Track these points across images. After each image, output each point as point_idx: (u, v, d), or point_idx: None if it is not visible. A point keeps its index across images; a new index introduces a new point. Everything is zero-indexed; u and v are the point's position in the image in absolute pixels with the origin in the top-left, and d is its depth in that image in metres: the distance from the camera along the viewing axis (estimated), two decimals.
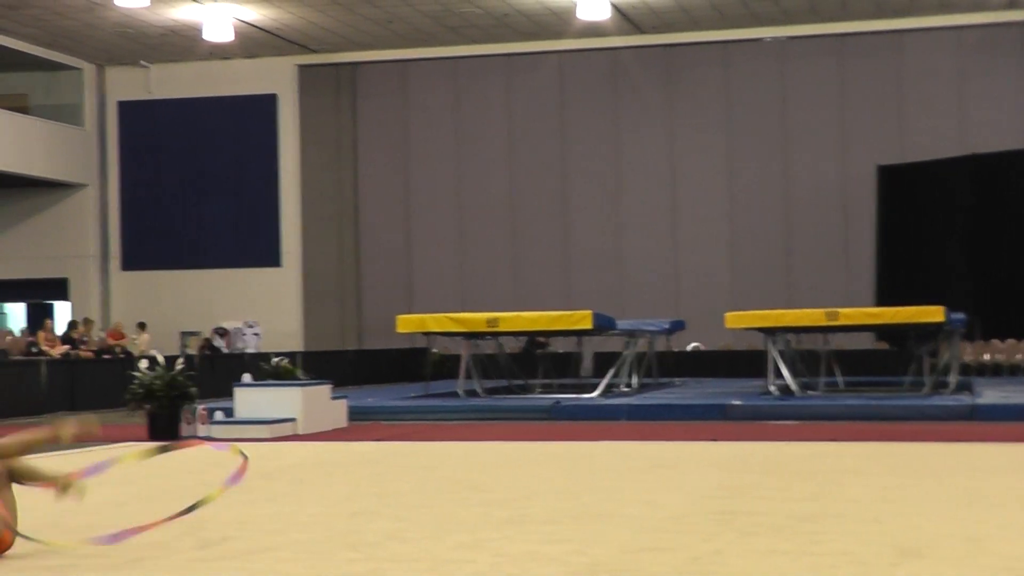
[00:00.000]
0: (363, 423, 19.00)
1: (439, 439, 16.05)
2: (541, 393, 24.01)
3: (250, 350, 31.67)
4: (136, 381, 17.01)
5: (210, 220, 34.78)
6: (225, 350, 31.98)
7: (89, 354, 26.64)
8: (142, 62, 34.53)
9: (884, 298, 28.09)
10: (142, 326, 31.30)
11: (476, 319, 22.38)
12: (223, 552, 7.41)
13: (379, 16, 31.43)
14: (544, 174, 34.39)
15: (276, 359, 20.88)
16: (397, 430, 17.78)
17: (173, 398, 16.80)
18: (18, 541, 7.25)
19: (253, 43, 33.15)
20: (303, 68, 35.03)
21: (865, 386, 24.38)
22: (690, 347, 32.35)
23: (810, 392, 22.17)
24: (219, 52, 33.73)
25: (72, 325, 28.38)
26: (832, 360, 24.77)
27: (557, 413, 19.92)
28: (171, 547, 7.60)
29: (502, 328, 22.38)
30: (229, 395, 18.25)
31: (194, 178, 34.92)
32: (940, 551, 6.99)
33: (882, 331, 27.11)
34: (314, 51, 34.31)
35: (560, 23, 31.95)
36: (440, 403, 21.62)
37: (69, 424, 7.46)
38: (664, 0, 30.71)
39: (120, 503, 9.73)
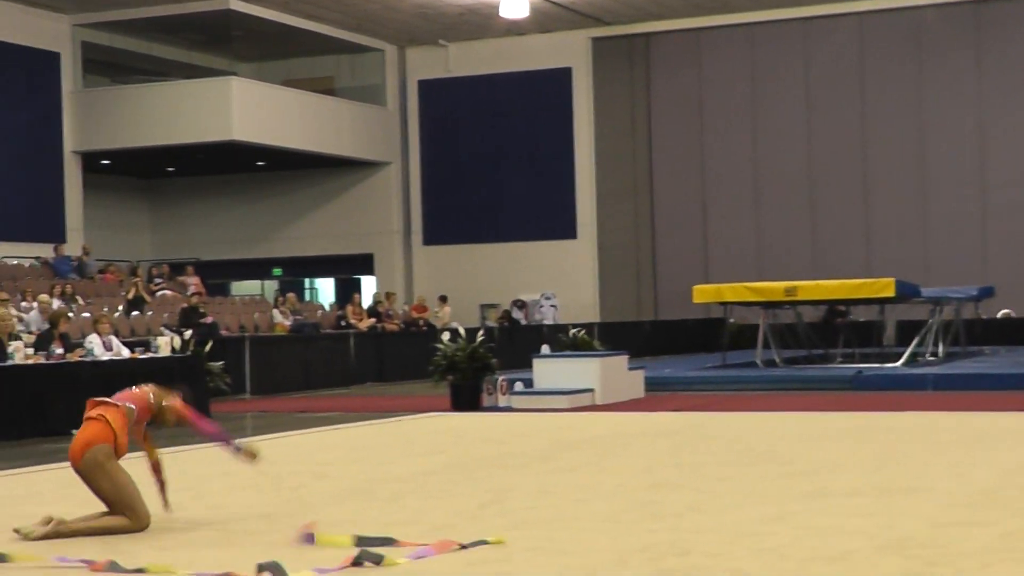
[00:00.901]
0: (660, 394, 19.01)
1: (737, 410, 15.91)
2: (842, 363, 23.49)
3: (548, 322, 32.09)
4: (439, 353, 17.48)
5: (507, 194, 35.34)
6: (523, 322, 32.51)
7: (394, 327, 27.54)
8: (441, 41, 35.33)
9: None
10: (444, 299, 32.13)
11: (774, 288, 22.08)
12: (525, 519, 7.55)
13: None
14: (843, 140, 33.56)
15: (574, 330, 21.08)
16: (695, 400, 17.72)
17: (475, 369, 17.19)
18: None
19: (547, 18, 33.47)
20: (597, 41, 35.14)
21: None
22: (1000, 314, 31.08)
23: None
24: (515, 28, 34.20)
25: (377, 299, 29.39)
26: None
27: (859, 383, 19.46)
28: (475, 516, 7.79)
29: (800, 297, 22.01)
30: (528, 366, 18.54)
31: (491, 153, 35.54)
32: None
33: None
34: (608, 23, 34.38)
35: None
36: (738, 373, 21.43)
37: (255, 451, 7.86)
38: None
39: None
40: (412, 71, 36.30)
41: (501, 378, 17.51)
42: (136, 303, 24.01)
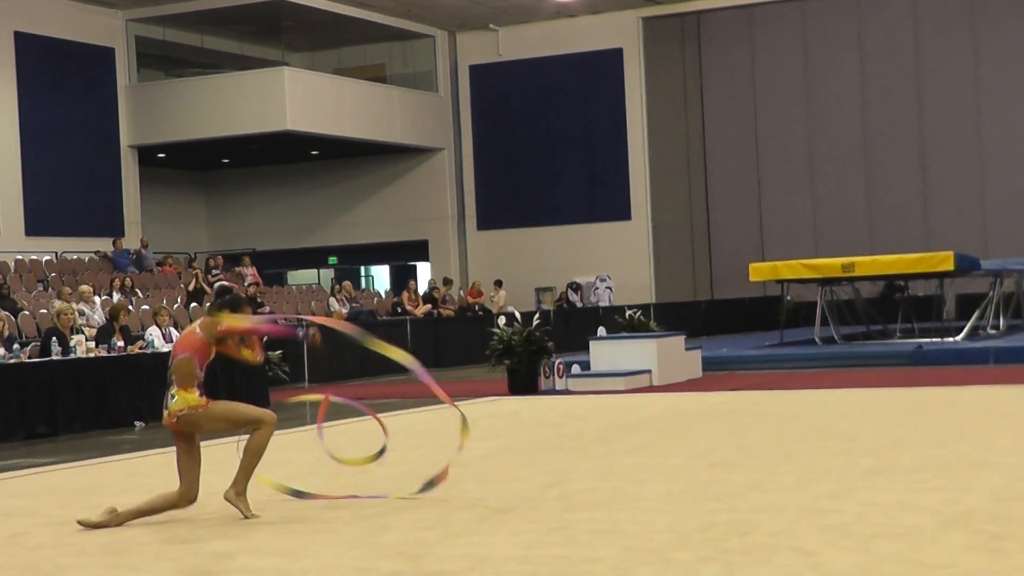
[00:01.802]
0: (718, 373, 18.96)
1: (797, 388, 15.84)
2: (901, 338, 23.31)
3: (603, 304, 32.03)
4: (495, 337, 17.51)
5: (560, 177, 35.27)
6: (579, 304, 32.49)
7: (450, 312, 27.59)
8: (491, 26, 35.28)
9: None
10: (499, 284, 32.14)
11: (831, 264, 21.93)
12: (587, 501, 7.55)
13: None
14: (898, 113, 33.25)
15: (629, 311, 21.04)
16: (753, 379, 17.65)
17: (531, 353, 17.20)
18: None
19: None
20: (647, 20, 34.97)
21: None
22: None
23: None
24: (564, 10, 34.11)
25: (432, 285, 29.45)
26: None
27: (919, 358, 19.31)
28: (536, 498, 7.80)
29: (858, 273, 21.85)
30: (584, 349, 18.54)
31: (543, 136, 35.48)
32: None
33: None
34: (657, 2, 34.23)
35: None
36: (796, 351, 21.31)
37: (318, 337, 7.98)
38: None
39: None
40: (463, 56, 36.28)
41: (558, 361, 17.52)
42: (196, 294, 24.24)
